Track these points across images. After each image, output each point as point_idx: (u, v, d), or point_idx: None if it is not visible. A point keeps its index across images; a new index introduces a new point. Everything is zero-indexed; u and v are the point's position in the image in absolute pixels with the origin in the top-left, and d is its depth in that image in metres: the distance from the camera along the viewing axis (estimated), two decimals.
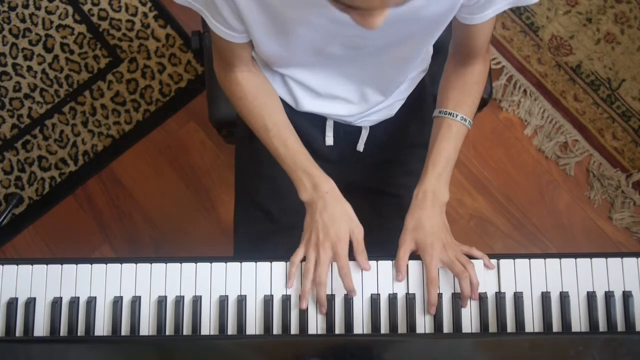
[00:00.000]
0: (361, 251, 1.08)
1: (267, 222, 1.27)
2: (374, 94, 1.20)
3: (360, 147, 1.31)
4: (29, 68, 2.11)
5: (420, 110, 1.31)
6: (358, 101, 1.21)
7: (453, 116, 1.13)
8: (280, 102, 1.19)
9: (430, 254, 1.06)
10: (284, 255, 1.10)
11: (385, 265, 1.09)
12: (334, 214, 1.08)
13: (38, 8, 2.16)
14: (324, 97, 1.20)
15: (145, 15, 2.15)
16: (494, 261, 1.09)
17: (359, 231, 1.09)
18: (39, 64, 2.11)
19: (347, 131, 1.30)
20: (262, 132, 1.14)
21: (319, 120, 1.29)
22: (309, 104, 1.23)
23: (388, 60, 1.11)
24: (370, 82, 1.17)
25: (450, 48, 1.18)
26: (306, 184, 1.11)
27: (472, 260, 1.08)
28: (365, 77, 1.16)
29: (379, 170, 1.32)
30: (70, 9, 2.15)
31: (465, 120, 1.13)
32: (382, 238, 1.29)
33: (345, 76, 1.16)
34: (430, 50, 1.25)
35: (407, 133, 1.31)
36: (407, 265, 1.08)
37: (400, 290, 1.07)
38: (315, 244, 1.07)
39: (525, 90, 2.06)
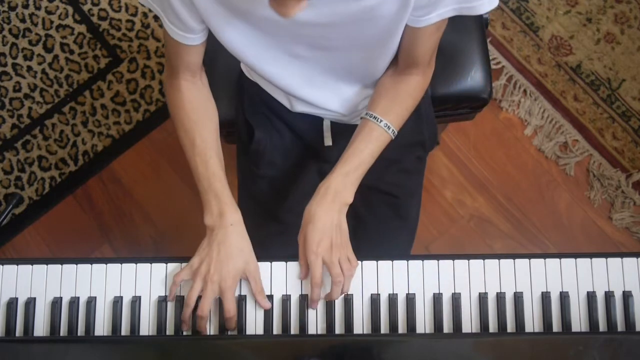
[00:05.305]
0: (260, 291, 1.06)
1: (273, 223, 1.26)
2: (354, 85, 1.19)
3: None
4: (29, 68, 2.11)
5: (416, 109, 1.31)
6: (342, 96, 1.20)
7: (378, 121, 1.11)
8: (217, 123, 1.17)
9: (315, 252, 1.04)
10: (289, 254, 1.10)
11: (385, 265, 1.08)
12: (231, 250, 1.05)
13: (38, 8, 2.16)
14: (312, 94, 1.19)
15: (145, 15, 2.15)
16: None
17: (255, 269, 1.07)
18: (39, 64, 2.11)
19: (345, 131, 1.29)
20: (188, 147, 1.12)
21: (318, 122, 1.29)
22: (300, 105, 1.23)
23: (358, 60, 1.10)
24: (347, 78, 1.17)
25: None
26: (213, 208, 1.08)
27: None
28: (342, 74, 1.15)
29: (375, 168, 1.31)
30: (70, 9, 2.15)
31: (388, 128, 1.11)
32: (377, 237, 1.28)
33: (321, 74, 1.15)
34: None
35: (403, 132, 1.31)
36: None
37: (400, 291, 1.07)
38: (204, 276, 1.04)
39: (525, 90, 2.06)
